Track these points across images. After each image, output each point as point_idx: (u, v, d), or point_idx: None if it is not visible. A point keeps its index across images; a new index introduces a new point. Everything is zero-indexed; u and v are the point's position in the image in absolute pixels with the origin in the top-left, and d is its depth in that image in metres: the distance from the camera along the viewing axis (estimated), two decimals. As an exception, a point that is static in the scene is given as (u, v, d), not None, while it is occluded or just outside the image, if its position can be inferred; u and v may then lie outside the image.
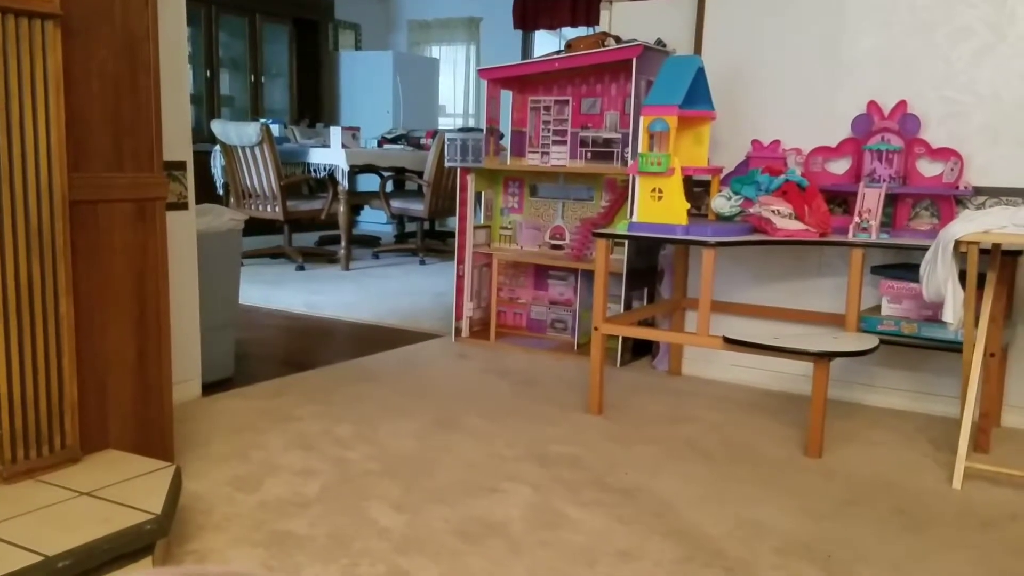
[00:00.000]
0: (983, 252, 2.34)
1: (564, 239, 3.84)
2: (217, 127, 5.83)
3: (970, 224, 2.26)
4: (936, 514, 2.13)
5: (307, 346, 3.86)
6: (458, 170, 3.86)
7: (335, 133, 5.90)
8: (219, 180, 6.07)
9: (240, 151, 5.76)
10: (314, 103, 8.20)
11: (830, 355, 2.48)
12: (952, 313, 2.31)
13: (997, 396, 2.76)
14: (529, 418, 2.79)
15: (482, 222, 4.01)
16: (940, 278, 2.29)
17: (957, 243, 2.26)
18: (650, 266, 3.53)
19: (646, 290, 3.56)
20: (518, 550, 1.87)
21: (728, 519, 2.06)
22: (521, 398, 3.02)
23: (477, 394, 3.05)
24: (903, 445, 2.64)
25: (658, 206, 2.71)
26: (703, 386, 3.26)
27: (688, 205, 2.73)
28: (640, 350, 3.62)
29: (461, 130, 4.74)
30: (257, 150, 5.65)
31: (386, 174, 6.27)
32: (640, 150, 2.74)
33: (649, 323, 3.45)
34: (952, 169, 2.80)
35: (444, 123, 8.92)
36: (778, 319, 3.15)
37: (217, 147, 5.92)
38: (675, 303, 3.36)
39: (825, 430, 2.56)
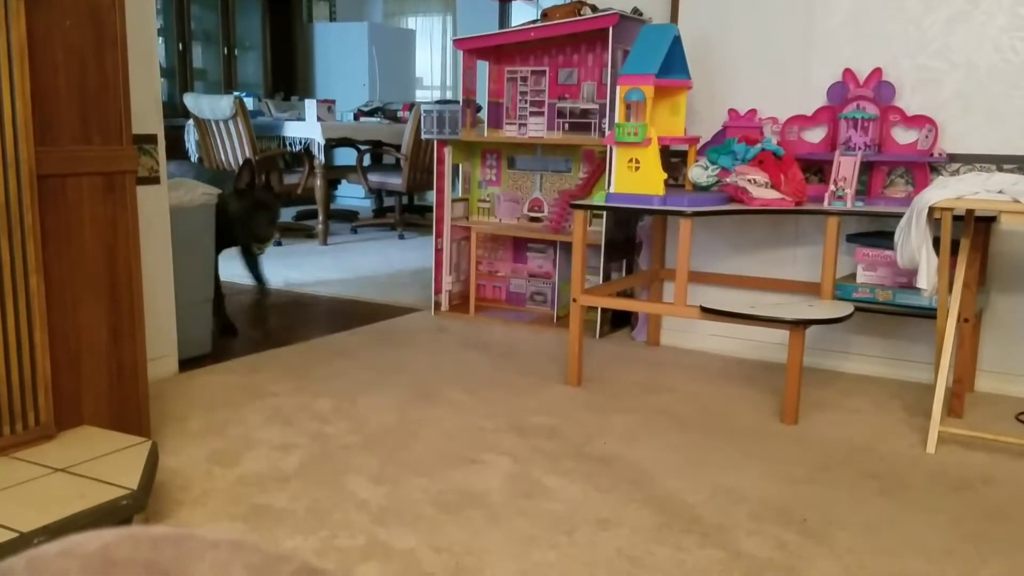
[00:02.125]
0: (957, 219, 2.36)
1: (542, 211, 3.83)
2: (190, 101, 5.75)
3: (944, 191, 2.28)
4: (910, 478, 2.16)
5: (285, 322, 3.84)
6: (435, 143, 3.83)
7: (310, 106, 5.83)
8: (193, 155, 5.99)
9: (214, 125, 5.68)
10: (288, 76, 8.10)
11: (805, 323, 2.50)
12: (926, 279, 2.33)
13: (971, 362, 2.79)
14: (508, 390, 2.79)
15: (460, 195, 3.99)
16: (914, 245, 2.31)
17: (931, 210, 2.28)
18: (628, 238, 3.53)
19: (624, 262, 3.56)
20: (497, 519, 1.87)
21: (705, 486, 2.08)
22: (500, 371, 3.02)
23: (456, 367, 3.05)
24: (877, 411, 2.67)
25: (635, 176, 2.71)
26: (681, 356, 3.28)
27: (665, 175, 2.73)
28: (619, 322, 3.63)
29: (438, 102, 4.70)
30: (231, 124, 5.58)
31: (363, 148, 6.21)
32: (617, 120, 2.73)
33: (628, 295, 3.45)
34: (926, 136, 2.81)
35: (421, 95, 8.84)
36: (755, 288, 3.17)
37: (191, 121, 5.84)
38: (653, 274, 3.37)
39: (801, 397, 2.58)
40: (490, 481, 2.08)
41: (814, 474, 2.17)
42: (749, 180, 2.76)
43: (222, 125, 5.64)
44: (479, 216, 3.99)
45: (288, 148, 5.97)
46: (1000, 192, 2.22)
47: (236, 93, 5.96)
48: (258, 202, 3.22)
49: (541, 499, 1.98)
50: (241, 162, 3.04)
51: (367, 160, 6.33)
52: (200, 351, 3.07)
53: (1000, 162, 2.73)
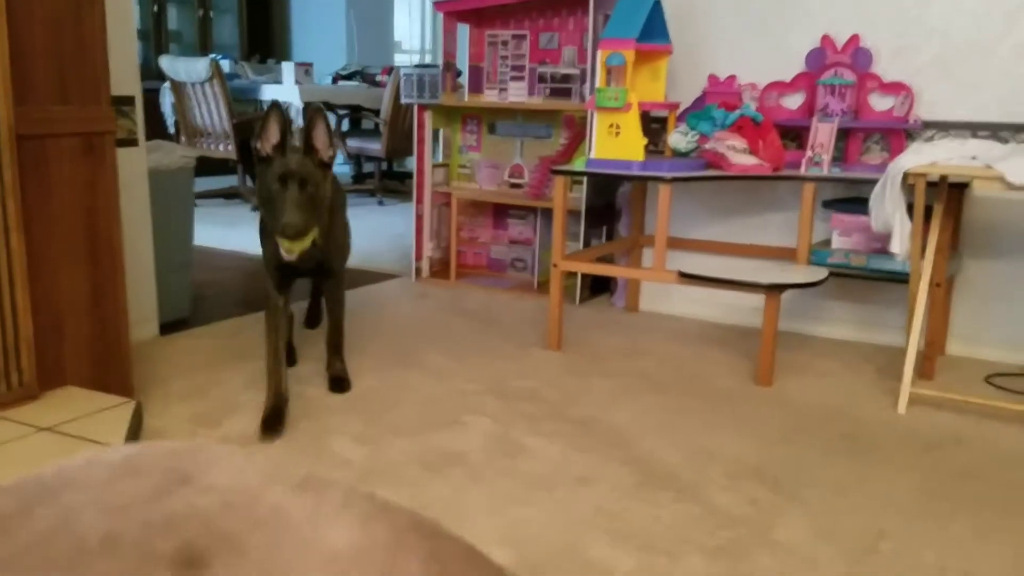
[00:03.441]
0: (931, 185, 2.40)
1: (523, 177, 3.83)
2: (166, 63, 5.67)
3: (918, 157, 2.31)
4: (881, 438, 2.22)
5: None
6: (415, 107, 3.81)
7: (287, 69, 5.77)
8: (169, 118, 5.92)
9: (190, 88, 5.62)
10: (265, 38, 7.99)
11: (780, 287, 2.54)
12: (899, 244, 2.37)
13: (942, 325, 2.85)
14: (489, 355, 2.82)
15: (440, 161, 3.98)
16: (888, 210, 2.35)
17: (905, 175, 2.31)
18: (608, 204, 3.56)
19: (604, 228, 3.59)
20: (478, 478, 1.91)
21: (681, 446, 2.13)
22: (481, 336, 3.05)
23: (437, 333, 3.08)
24: (850, 374, 2.73)
25: (616, 142, 2.72)
26: (659, 321, 3.32)
27: (645, 141, 2.74)
28: (598, 288, 3.66)
29: (418, 66, 4.68)
30: (207, 87, 5.52)
31: (341, 112, 6.17)
32: (597, 85, 2.74)
33: (608, 260, 3.48)
34: (902, 103, 2.84)
35: (400, 60, 8.76)
36: (732, 254, 3.20)
37: (166, 84, 5.77)
38: (632, 241, 3.40)
39: (775, 360, 2.63)
40: (471, 442, 2.11)
41: (787, 434, 2.22)
42: (728, 146, 2.78)
43: (198, 88, 5.57)
44: (459, 182, 3.99)
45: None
46: (973, 158, 2.26)
47: (212, 55, 5.88)
48: (288, 173, 2.03)
49: (521, 459, 2.02)
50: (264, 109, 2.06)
51: (345, 125, 6.29)
52: (179, 315, 3.07)
53: (974, 129, 2.76)
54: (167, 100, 5.87)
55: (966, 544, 1.70)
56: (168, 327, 2.96)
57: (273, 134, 2.06)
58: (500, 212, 3.95)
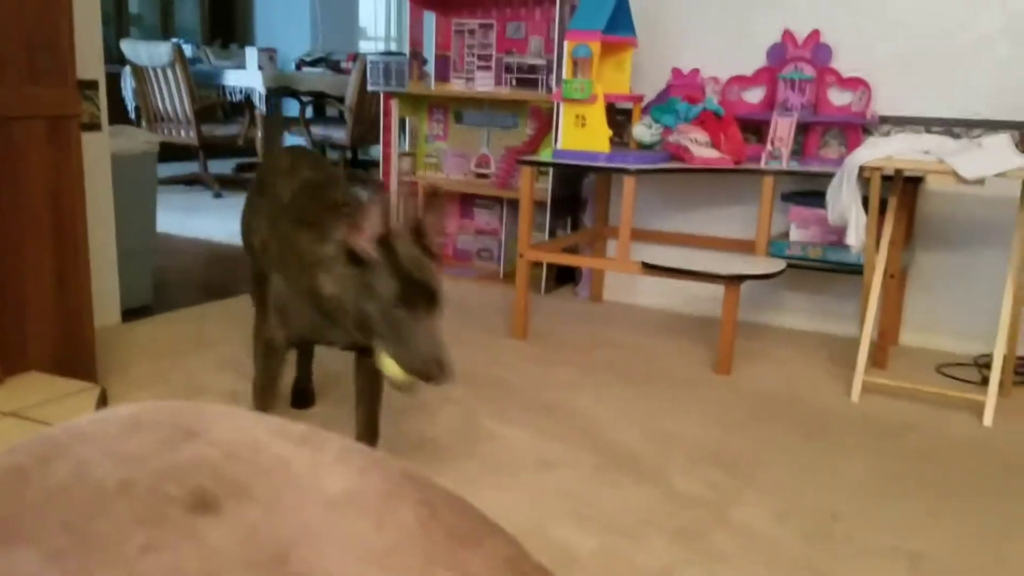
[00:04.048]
0: (886, 178, 2.47)
1: (490, 167, 3.86)
2: (127, 47, 5.58)
3: (874, 151, 2.38)
4: (836, 425, 2.29)
5: (227, 274, 3.81)
6: (381, 95, 3.81)
7: (251, 54, 5.71)
8: (130, 103, 5.84)
9: (151, 72, 5.54)
10: (228, 23, 7.90)
11: (739, 278, 2.59)
12: (855, 237, 2.43)
13: (895, 316, 2.94)
14: (456, 343, 2.83)
15: (407, 150, 3.99)
16: (844, 203, 2.41)
17: (861, 169, 2.38)
18: (574, 195, 3.59)
19: (570, 219, 3.62)
20: (445, 461, 1.94)
21: (643, 432, 2.18)
22: (448, 325, 3.05)
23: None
24: (806, 362, 2.80)
25: (581, 133, 2.76)
26: (623, 311, 3.37)
27: (610, 132, 2.78)
28: (563, 278, 3.70)
29: (383, 54, 4.66)
30: (169, 71, 5.45)
31: (305, 99, 6.12)
32: (564, 76, 2.77)
33: (573, 251, 3.52)
34: (860, 98, 2.91)
35: (365, 47, 8.71)
36: (694, 246, 3.26)
37: (127, 68, 5.68)
38: (597, 231, 3.44)
39: (735, 349, 2.69)
40: (438, 427, 2.14)
41: (745, 421, 2.28)
42: (691, 139, 2.83)
43: (159, 72, 5.49)
44: (426, 171, 4.00)
45: (228, 98, 5.86)
46: (927, 153, 2.33)
47: (174, 40, 5.80)
48: (428, 292, 1.51)
49: (488, 443, 2.05)
50: (368, 195, 1.59)
51: (310, 112, 6.25)
52: (141, 302, 3.05)
53: (929, 124, 2.84)
54: (128, 84, 5.78)
55: (918, 525, 1.77)
56: (130, 314, 2.94)
57: (377, 223, 1.47)
58: (467, 202, 3.97)
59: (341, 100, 6.03)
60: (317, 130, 6.17)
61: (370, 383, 1.87)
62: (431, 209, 1.57)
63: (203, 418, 0.38)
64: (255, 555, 0.29)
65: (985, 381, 2.47)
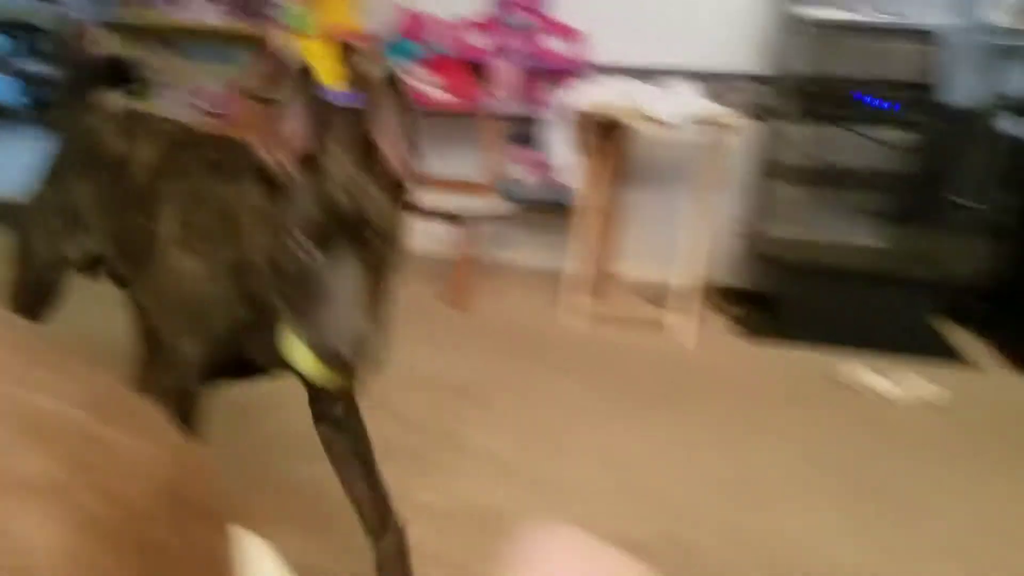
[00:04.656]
0: (597, 123, 2.67)
1: (215, 105, 3.67)
2: None
3: (584, 96, 2.56)
4: (560, 351, 2.48)
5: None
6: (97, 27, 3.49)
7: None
8: None
9: None
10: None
11: (469, 218, 2.71)
12: (569, 176, 2.63)
13: (608, 251, 3.20)
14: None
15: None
16: (559, 144, 2.59)
17: (576, 113, 2.56)
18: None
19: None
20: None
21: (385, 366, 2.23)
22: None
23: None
24: (534, 295, 2.99)
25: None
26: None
27: (341, 70, 2.76)
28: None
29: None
30: None
31: (12, 32, 5.45)
32: (288, 8, 2.70)
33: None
34: (576, 47, 3.10)
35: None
36: (427, 187, 3.33)
37: None
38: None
39: (469, 286, 2.82)
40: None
41: (478, 351, 2.42)
42: (422, 81, 2.88)
43: None
44: (149, 107, 3.73)
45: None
46: (632, 99, 2.55)
47: None
48: (333, 208, 0.97)
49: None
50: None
51: (14, 46, 5.57)
52: None
53: (634, 73, 3.08)
54: None
55: (632, 433, 1.98)
56: None
57: (305, 128, 0.98)
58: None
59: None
60: (27, 66, 5.52)
61: (350, 439, 1.31)
62: (395, 111, 1.04)
63: None
64: None
65: (687, 308, 2.79)
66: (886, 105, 2.91)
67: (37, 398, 0.32)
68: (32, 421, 0.32)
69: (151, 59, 3.59)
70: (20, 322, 0.37)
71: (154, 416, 0.37)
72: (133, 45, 3.68)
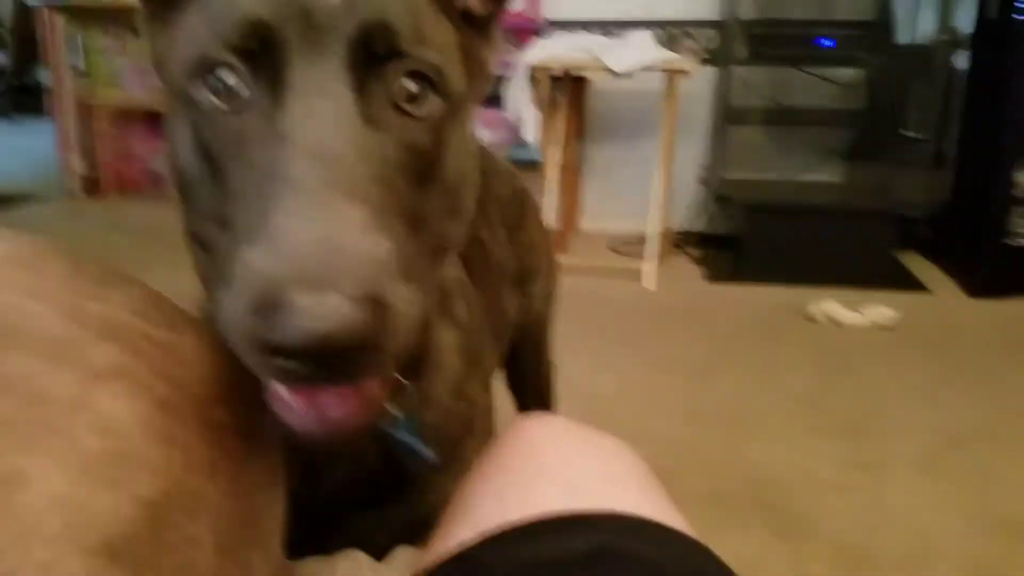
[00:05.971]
0: (557, 79, 2.71)
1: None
2: None
3: (541, 52, 2.60)
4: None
5: None
6: (45, 10, 3.47)
7: None
8: None
9: None
10: None
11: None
12: (531, 132, 2.67)
13: (573, 204, 3.26)
14: (166, 274, 2.76)
15: (82, 68, 3.68)
16: (520, 101, 2.63)
17: (531, 69, 2.60)
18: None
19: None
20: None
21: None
22: (150, 254, 2.96)
23: (103, 255, 2.93)
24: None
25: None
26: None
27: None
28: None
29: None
30: None
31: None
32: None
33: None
34: (530, 3, 3.13)
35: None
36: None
37: None
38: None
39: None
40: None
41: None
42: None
43: None
44: (106, 90, 3.73)
45: None
46: (587, 52, 2.59)
47: None
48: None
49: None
50: None
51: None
52: None
53: (590, 27, 3.13)
54: None
55: (600, 370, 2.04)
56: None
57: None
58: (156, 120, 3.76)
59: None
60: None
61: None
62: None
63: None
64: None
65: (650, 254, 2.86)
66: (836, 44, 2.97)
67: (92, 305, 0.38)
68: (95, 322, 0.38)
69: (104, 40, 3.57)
70: (67, 246, 0.43)
71: (191, 317, 0.44)
72: (86, 26, 3.66)
